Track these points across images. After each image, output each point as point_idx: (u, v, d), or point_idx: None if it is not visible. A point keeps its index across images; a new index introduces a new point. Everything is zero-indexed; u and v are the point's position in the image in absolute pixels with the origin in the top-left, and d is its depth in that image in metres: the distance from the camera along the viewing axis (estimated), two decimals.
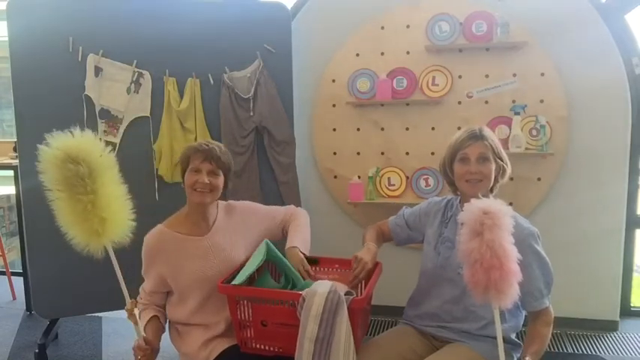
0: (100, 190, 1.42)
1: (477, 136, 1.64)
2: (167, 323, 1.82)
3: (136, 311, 1.73)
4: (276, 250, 1.74)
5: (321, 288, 1.49)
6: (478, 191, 1.62)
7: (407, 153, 2.98)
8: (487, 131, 1.68)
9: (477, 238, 1.30)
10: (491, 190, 1.69)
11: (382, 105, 2.97)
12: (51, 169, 1.39)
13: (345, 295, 1.50)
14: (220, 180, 1.73)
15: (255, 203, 1.95)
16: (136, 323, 1.55)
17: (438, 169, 2.88)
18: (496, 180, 1.67)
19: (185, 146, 1.80)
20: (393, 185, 2.99)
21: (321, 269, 1.85)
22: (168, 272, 1.71)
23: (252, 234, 1.83)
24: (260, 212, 1.90)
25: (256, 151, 2.75)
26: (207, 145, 1.72)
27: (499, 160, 1.65)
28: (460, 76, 2.87)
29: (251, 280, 1.68)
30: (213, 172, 1.70)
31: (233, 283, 1.60)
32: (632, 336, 2.86)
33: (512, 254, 1.31)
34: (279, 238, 1.92)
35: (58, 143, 1.40)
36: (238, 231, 1.81)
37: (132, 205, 1.53)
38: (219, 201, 1.84)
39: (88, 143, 1.43)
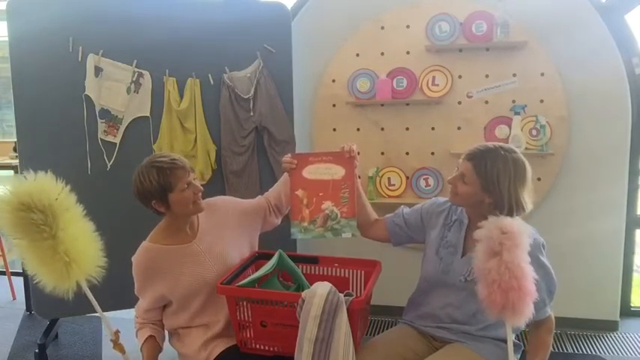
0: (60, 234, 1.39)
1: (472, 156, 1.56)
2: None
3: (135, 326, 1.73)
4: (290, 261, 1.77)
5: (320, 289, 1.49)
6: (452, 201, 1.64)
7: (407, 153, 2.98)
8: (491, 162, 1.52)
9: (495, 258, 1.30)
10: (497, 211, 1.52)
11: (382, 105, 2.96)
12: (5, 216, 1.36)
13: (344, 295, 1.50)
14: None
15: (233, 198, 1.93)
16: (123, 352, 1.55)
17: (437, 169, 2.90)
18: (492, 207, 1.53)
19: (146, 176, 1.61)
20: (393, 185, 2.99)
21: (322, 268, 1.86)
22: (166, 288, 1.69)
23: (235, 227, 1.81)
24: (240, 207, 1.87)
25: (256, 151, 2.75)
26: (176, 159, 1.64)
27: (487, 190, 1.52)
28: (460, 76, 2.87)
29: (256, 284, 1.68)
30: (195, 178, 1.69)
31: (238, 285, 1.60)
32: (632, 336, 2.86)
33: (530, 274, 1.31)
34: (260, 229, 1.91)
35: (11, 189, 1.36)
36: (224, 225, 1.79)
37: (101, 240, 1.51)
38: None
39: (40, 188, 1.39)
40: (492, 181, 1.52)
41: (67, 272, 1.41)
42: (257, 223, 1.89)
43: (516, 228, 1.32)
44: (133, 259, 1.70)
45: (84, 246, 1.46)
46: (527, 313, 1.31)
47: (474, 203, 1.58)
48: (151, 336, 1.70)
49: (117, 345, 1.55)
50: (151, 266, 1.69)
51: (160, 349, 1.73)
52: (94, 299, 1.52)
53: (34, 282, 1.43)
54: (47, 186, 1.41)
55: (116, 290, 2.16)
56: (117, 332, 1.57)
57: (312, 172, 1.74)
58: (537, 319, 1.58)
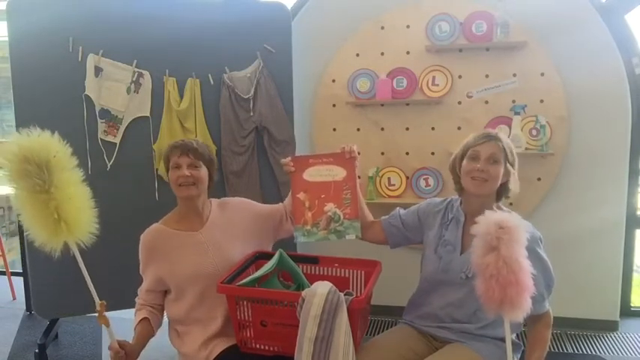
0: (52, 190, 1.42)
1: (491, 137, 1.61)
2: (166, 324, 1.82)
3: (136, 306, 1.73)
4: (290, 260, 1.76)
5: (320, 288, 1.49)
6: (482, 191, 1.60)
7: (407, 153, 2.98)
8: (503, 136, 1.64)
9: (492, 252, 1.30)
10: (498, 198, 1.65)
11: (382, 105, 2.97)
12: (6, 165, 1.41)
13: (344, 295, 1.50)
14: (202, 171, 1.73)
15: (248, 200, 1.94)
16: (107, 325, 1.54)
17: (437, 169, 2.91)
18: (504, 187, 1.63)
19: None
20: (393, 185, 2.99)
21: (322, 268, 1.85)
22: (165, 271, 1.72)
23: (246, 228, 1.83)
24: (255, 209, 1.89)
25: (256, 151, 2.75)
26: (183, 140, 1.75)
27: (509, 166, 1.61)
28: (460, 76, 2.87)
29: (257, 283, 1.68)
30: (193, 165, 1.71)
31: (238, 284, 1.60)
32: (632, 336, 2.86)
33: (527, 268, 1.31)
34: (274, 237, 1.92)
35: (16, 141, 1.41)
36: (233, 225, 1.81)
37: (95, 206, 1.52)
38: (213, 199, 1.85)
39: (42, 144, 1.43)
40: (512, 153, 1.63)
41: (55, 230, 1.43)
42: (269, 227, 1.89)
43: (513, 222, 1.32)
44: (141, 237, 1.75)
45: (76, 209, 1.47)
46: (525, 307, 1.31)
47: (497, 186, 1.62)
48: (145, 318, 1.72)
49: (101, 317, 1.55)
50: (155, 246, 1.73)
51: (152, 334, 1.73)
52: (81, 261, 1.52)
53: (27, 235, 1.46)
54: (49, 143, 1.45)
55: (116, 290, 2.16)
56: (102, 303, 1.57)
57: (313, 174, 1.74)
58: (535, 313, 1.58)
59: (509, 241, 1.29)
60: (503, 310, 1.31)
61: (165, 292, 1.79)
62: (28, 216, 1.44)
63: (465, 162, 1.64)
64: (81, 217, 1.48)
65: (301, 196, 1.73)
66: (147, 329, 1.71)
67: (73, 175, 1.49)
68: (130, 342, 1.63)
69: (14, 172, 1.41)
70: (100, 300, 1.55)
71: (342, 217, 1.72)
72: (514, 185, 1.64)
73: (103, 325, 1.54)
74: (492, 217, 1.33)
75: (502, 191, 1.65)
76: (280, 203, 1.96)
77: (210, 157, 1.78)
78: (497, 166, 1.59)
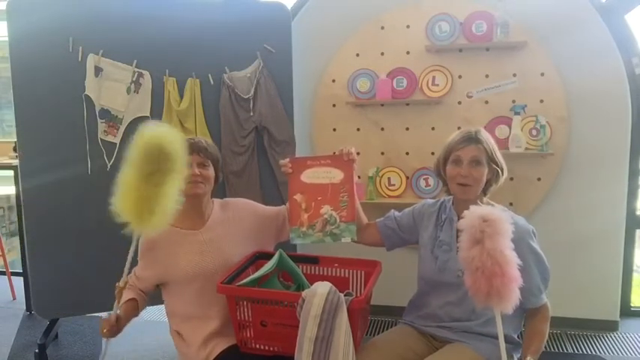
0: (160, 189, 1.46)
1: (471, 139, 1.63)
2: (167, 324, 1.82)
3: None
4: (290, 261, 1.77)
5: (320, 289, 1.49)
6: (468, 195, 1.63)
7: (407, 153, 2.99)
8: (483, 134, 1.65)
9: (477, 245, 1.31)
10: (485, 193, 1.68)
11: (382, 105, 2.97)
12: (137, 150, 1.46)
13: (344, 295, 1.50)
14: (210, 170, 1.75)
15: (251, 201, 1.95)
16: (118, 301, 1.58)
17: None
18: (489, 183, 1.66)
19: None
20: (393, 185, 2.99)
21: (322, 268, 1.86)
22: (163, 267, 1.72)
23: (247, 229, 1.83)
24: (256, 209, 1.90)
25: (256, 151, 2.75)
26: (193, 139, 1.75)
27: (493, 165, 1.63)
28: (460, 76, 2.87)
29: (257, 284, 1.68)
30: (202, 164, 1.72)
31: (238, 284, 1.60)
32: (632, 336, 2.86)
33: (513, 260, 1.32)
34: (275, 238, 1.92)
35: (167, 135, 1.47)
36: (233, 225, 1.81)
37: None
38: (215, 199, 1.86)
39: (175, 138, 1.48)
40: (494, 151, 1.64)
41: (141, 219, 1.47)
42: (271, 228, 1.89)
43: (497, 215, 1.33)
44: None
45: (165, 207, 1.50)
46: (513, 298, 1.32)
47: (482, 187, 1.64)
48: (133, 299, 1.71)
49: (119, 292, 1.58)
50: (154, 243, 1.72)
51: (136, 314, 1.73)
52: (132, 251, 1.55)
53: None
54: (179, 142, 1.50)
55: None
56: (127, 282, 1.60)
57: (311, 176, 1.74)
58: (533, 306, 1.59)
59: (492, 233, 1.30)
60: (491, 302, 1.32)
61: (157, 286, 1.79)
62: (124, 197, 1.48)
63: (448, 167, 1.66)
64: (164, 214, 1.50)
65: (298, 197, 1.73)
66: (134, 307, 1.71)
67: (177, 177, 1.52)
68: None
69: (140, 156, 1.45)
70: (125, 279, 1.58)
71: (338, 219, 1.72)
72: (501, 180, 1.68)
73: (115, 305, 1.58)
74: (476, 211, 1.35)
75: (488, 187, 1.67)
76: (282, 205, 1.96)
77: (217, 157, 1.79)
78: (480, 168, 1.61)
